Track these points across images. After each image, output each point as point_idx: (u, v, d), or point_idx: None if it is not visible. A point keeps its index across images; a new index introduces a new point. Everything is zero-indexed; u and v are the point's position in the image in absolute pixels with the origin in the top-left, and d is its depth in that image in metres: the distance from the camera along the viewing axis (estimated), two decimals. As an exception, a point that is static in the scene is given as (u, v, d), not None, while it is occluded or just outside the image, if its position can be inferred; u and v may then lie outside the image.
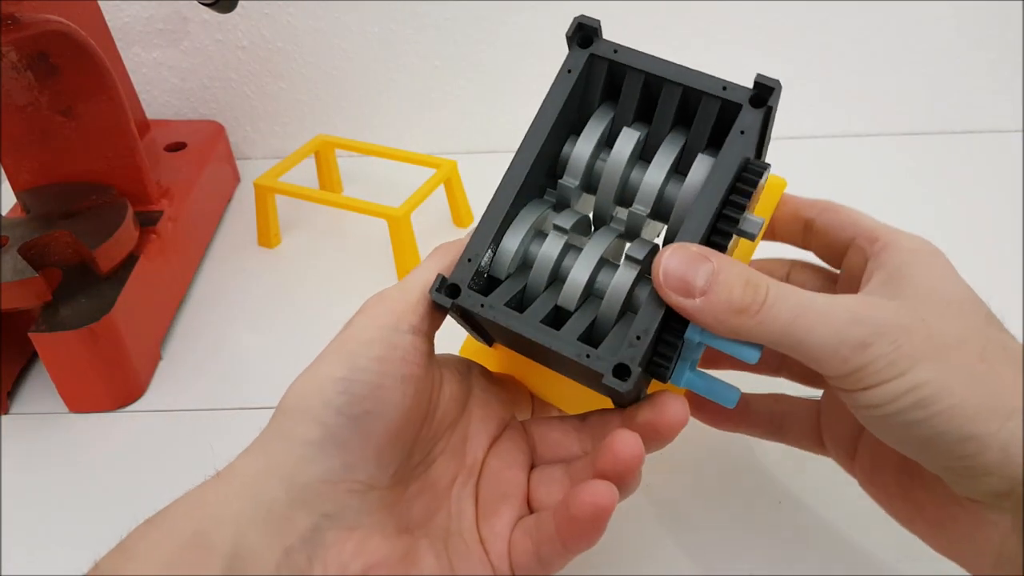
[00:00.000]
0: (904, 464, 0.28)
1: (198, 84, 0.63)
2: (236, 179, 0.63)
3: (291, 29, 0.60)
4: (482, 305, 0.28)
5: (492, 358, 0.34)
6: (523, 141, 0.29)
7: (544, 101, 0.29)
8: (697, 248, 0.26)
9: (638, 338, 0.26)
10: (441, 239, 0.52)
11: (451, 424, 0.30)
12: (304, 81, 0.63)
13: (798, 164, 0.63)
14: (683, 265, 0.25)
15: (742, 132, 0.27)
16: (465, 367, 0.32)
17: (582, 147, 0.29)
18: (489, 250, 0.29)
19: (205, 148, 0.58)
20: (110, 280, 0.44)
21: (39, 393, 0.45)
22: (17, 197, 0.48)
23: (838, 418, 0.32)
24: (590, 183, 0.30)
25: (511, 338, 0.29)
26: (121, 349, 0.43)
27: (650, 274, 0.27)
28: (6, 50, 0.42)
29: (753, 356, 0.26)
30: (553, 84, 0.29)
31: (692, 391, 0.29)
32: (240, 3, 0.47)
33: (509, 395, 0.33)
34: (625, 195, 0.30)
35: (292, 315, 0.50)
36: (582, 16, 0.29)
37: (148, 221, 0.48)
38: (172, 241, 0.49)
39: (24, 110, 0.45)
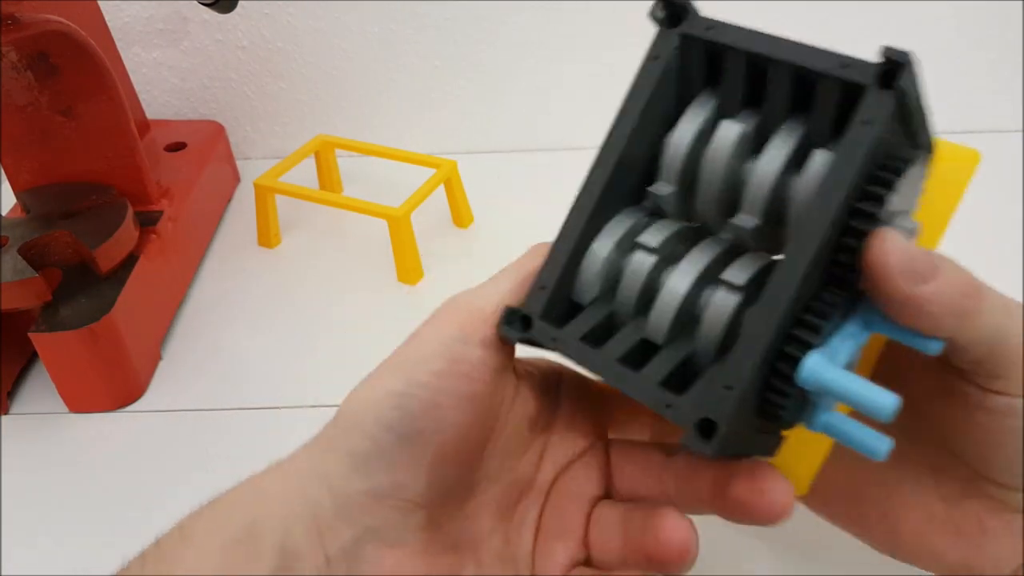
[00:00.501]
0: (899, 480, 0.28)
1: (198, 84, 0.63)
2: (236, 179, 0.63)
3: (291, 29, 0.60)
4: (553, 339, 0.24)
5: None
6: (601, 146, 0.25)
7: (627, 95, 0.25)
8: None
9: (729, 388, 0.21)
10: (441, 239, 0.52)
11: (524, 442, 0.28)
12: (304, 81, 0.63)
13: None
14: (906, 247, 0.22)
15: (866, 122, 0.21)
16: (554, 378, 0.29)
17: (676, 142, 0.25)
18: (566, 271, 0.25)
19: (205, 148, 0.58)
20: (110, 280, 0.44)
21: (39, 393, 0.45)
22: (17, 197, 0.48)
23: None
24: (689, 187, 0.25)
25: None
26: (121, 349, 0.43)
27: (750, 304, 0.22)
28: (6, 50, 0.42)
29: (936, 347, 0.23)
30: (637, 74, 0.25)
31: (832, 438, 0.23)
32: (240, 3, 0.47)
33: (602, 410, 0.30)
34: (730, 199, 0.24)
35: (292, 315, 0.50)
36: None
37: (148, 221, 0.48)
38: (172, 241, 0.49)
39: (24, 110, 0.45)
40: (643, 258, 0.25)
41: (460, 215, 0.55)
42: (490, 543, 0.27)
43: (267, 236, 0.55)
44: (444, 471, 0.25)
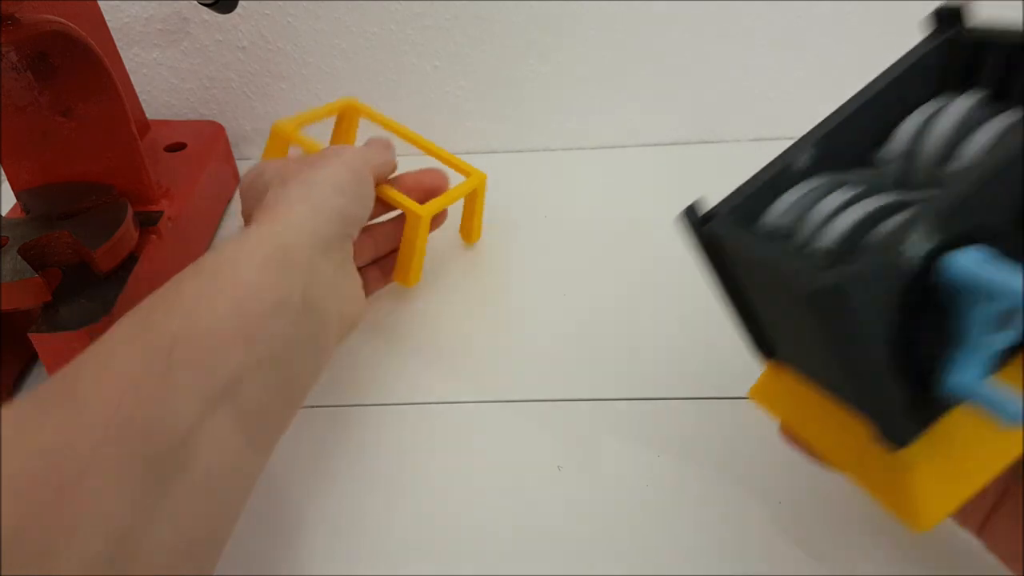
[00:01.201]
0: None
1: (198, 84, 0.63)
2: (236, 179, 0.63)
3: (291, 29, 0.60)
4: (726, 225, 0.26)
5: (778, 400, 0.29)
6: (834, 111, 0.28)
7: (879, 75, 0.28)
8: None
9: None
10: (445, 251, 0.51)
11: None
12: (304, 81, 0.63)
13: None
14: None
15: None
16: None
17: (919, 116, 0.26)
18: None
19: (205, 148, 0.58)
20: (110, 280, 0.44)
21: (39, 393, 0.45)
22: (17, 197, 0.48)
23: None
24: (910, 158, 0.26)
25: (759, 282, 0.25)
26: (121, 349, 0.43)
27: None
28: (6, 50, 0.42)
29: None
30: (897, 61, 0.28)
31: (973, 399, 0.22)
32: (240, 3, 0.47)
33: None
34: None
35: (292, 315, 0.50)
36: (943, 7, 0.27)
37: (148, 221, 0.48)
38: (172, 241, 0.49)
39: (24, 110, 0.45)
40: (842, 192, 0.25)
41: (470, 230, 0.53)
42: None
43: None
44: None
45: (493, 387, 0.43)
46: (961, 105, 0.25)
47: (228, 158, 0.62)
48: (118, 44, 0.54)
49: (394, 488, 0.39)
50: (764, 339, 0.28)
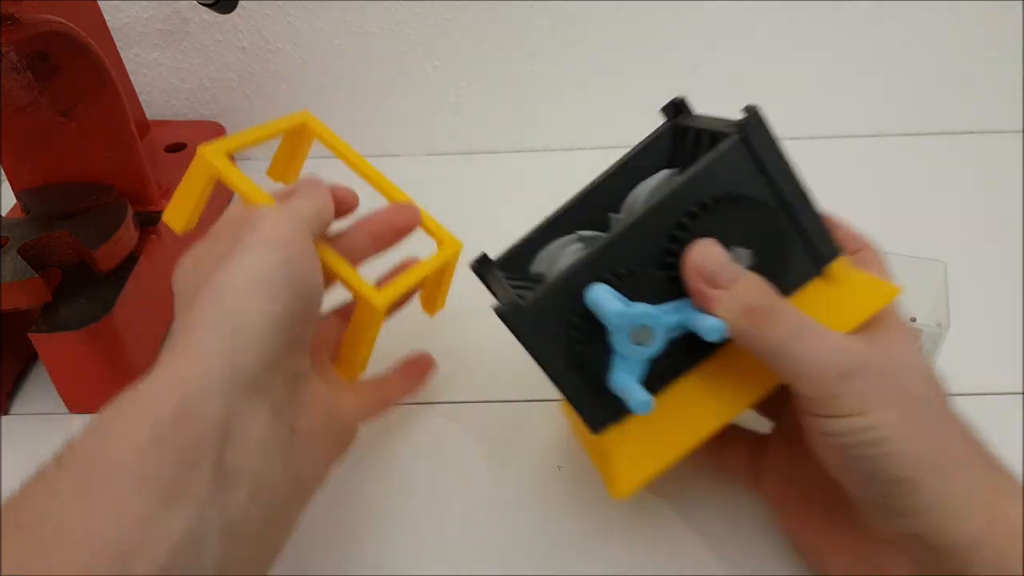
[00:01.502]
0: (831, 508, 0.31)
1: (198, 84, 0.63)
2: (236, 179, 0.63)
3: (291, 29, 0.60)
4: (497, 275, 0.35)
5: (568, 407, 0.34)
6: (581, 190, 0.36)
7: (617, 161, 0.36)
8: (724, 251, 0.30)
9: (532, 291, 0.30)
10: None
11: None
12: (304, 81, 0.63)
13: (797, 164, 0.63)
14: (715, 259, 0.29)
15: (711, 155, 0.29)
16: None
17: (639, 192, 0.34)
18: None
19: (205, 148, 0.58)
20: (110, 280, 0.44)
21: (39, 393, 0.45)
22: (17, 197, 0.48)
23: (782, 455, 0.34)
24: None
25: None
26: (121, 350, 0.43)
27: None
28: (6, 50, 0.42)
29: (715, 332, 0.28)
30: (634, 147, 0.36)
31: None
32: (240, 3, 0.47)
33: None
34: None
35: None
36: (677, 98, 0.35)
37: (148, 221, 0.48)
38: (172, 241, 0.49)
39: (24, 110, 0.45)
40: (571, 246, 0.35)
41: (434, 299, 0.41)
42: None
43: (180, 214, 0.35)
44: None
45: (493, 387, 0.43)
46: (656, 177, 0.34)
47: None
48: (118, 44, 0.54)
49: (394, 488, 0.39)
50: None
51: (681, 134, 0.35)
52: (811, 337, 0.28)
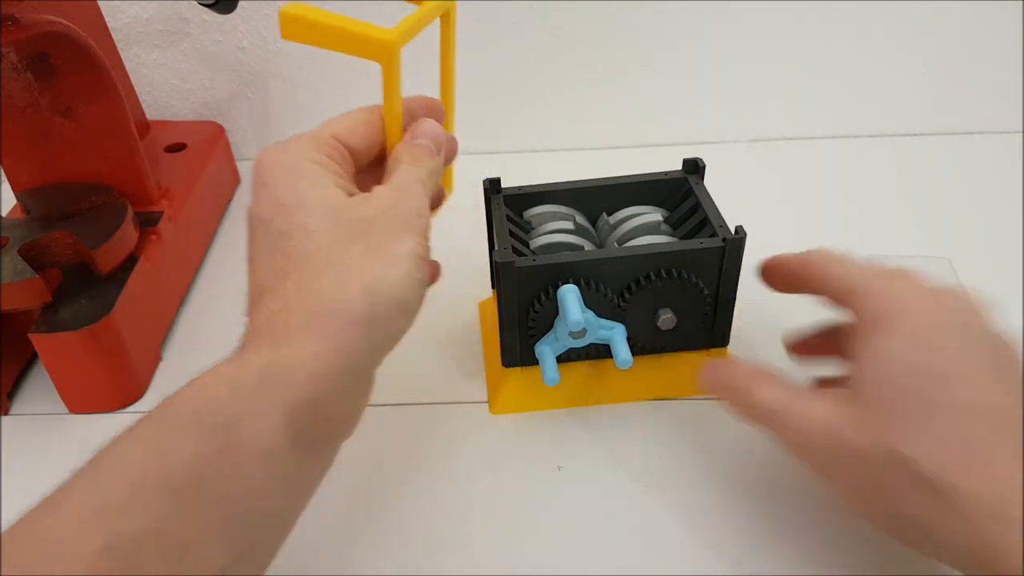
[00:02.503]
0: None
1: (198, 85, 0.63)
2: (236, 179, 0.63)
3: (291, 29, 0.60)
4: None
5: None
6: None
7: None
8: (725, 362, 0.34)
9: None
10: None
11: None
12: (304, 81, 0.63)
13: (798, 165, 0.63)
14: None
15: None
16: None
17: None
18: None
19: (205, 148, 0.58)
20: (110, 281, 0.44)
21: (39, 393, 0.45)
22: (17, 197, 0.48)
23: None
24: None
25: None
26: (121, 350, 0.43)
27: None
28: (6, 51, 0.42)
29: (625, 364, 0.37)
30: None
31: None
32: (240, 4, 0.47)
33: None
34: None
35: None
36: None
37: (148, 221, 0.48)
38: (172, 241, 0.49)
39: (24, 111, 0.45)
40: (560, 222, 0.43)
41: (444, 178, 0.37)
42: None
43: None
44: None
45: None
46: (648, 215, 0.42)
47: (228, 158, 0.62)
48: (118, 44, 0.54)
49: (394, 487, 0.39)
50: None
51: (685, 191, 0.42)
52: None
